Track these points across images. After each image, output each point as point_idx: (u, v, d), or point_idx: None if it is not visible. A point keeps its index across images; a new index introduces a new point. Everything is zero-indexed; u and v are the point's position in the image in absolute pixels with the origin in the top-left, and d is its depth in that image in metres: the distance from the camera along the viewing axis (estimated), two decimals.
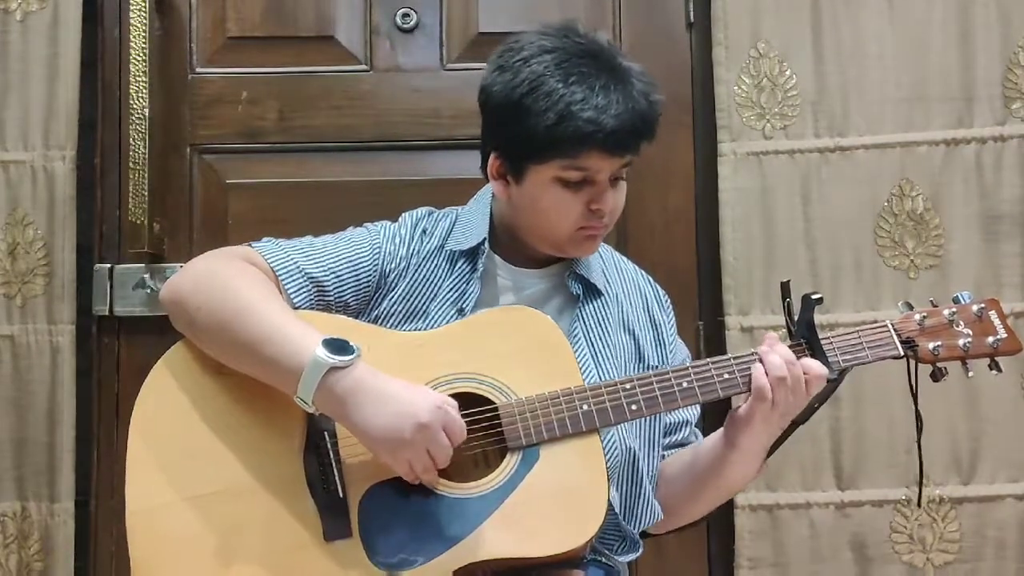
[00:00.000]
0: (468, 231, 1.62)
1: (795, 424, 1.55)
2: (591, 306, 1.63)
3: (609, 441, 1.52)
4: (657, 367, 1.64)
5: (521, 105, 1.48)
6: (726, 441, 1.53)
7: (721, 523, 2.26)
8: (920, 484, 1.66)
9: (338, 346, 1.36)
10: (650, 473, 1.61)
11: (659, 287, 1.77)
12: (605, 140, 1.47)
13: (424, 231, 1.64)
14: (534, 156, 1.51)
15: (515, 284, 1.63)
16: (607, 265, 1.71)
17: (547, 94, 1.47)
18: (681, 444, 1.69)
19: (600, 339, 1.61)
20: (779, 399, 1.43)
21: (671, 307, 1.77)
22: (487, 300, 1.60)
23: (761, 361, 1.46)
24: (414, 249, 1.61)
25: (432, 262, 1.61)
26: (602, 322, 1.62)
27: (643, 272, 1.78)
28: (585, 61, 1.49)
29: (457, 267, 1.60)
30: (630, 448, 1.58)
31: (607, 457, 1.47)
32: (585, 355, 1.58)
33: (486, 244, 1.60)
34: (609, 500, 1.42)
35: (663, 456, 1.67)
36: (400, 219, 1.67)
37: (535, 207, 1.55)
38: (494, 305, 1.60)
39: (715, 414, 1.71)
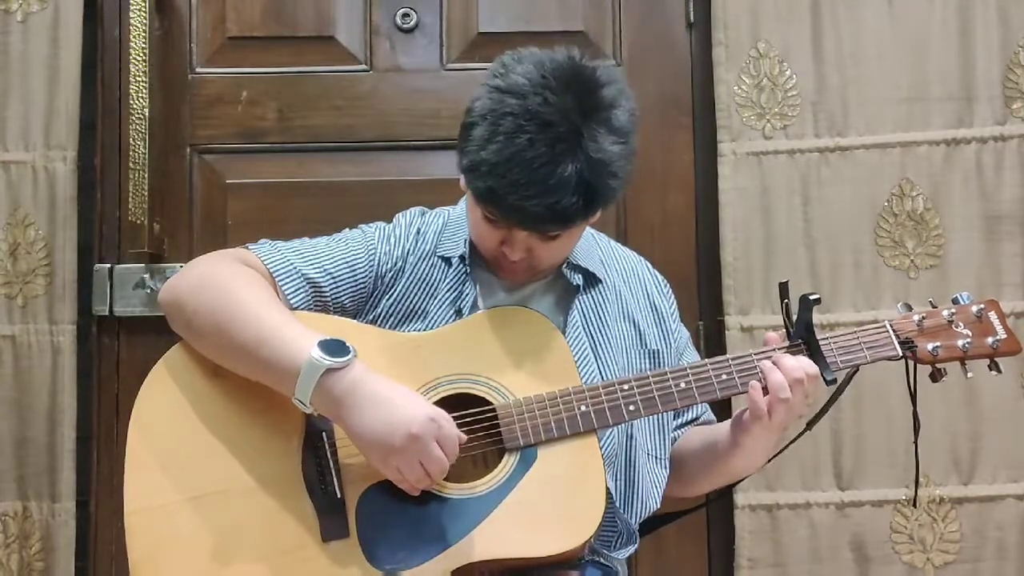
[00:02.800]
0: (456, 236, 1.63)
1: (809, 425, 1.59)
2: (589, 297, 1.63)
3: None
4: (660, 352, 1.65)
5: (464, 128, 1.47)
6: (731, 439, 1.54)
7: (721, 523, 2.26)
8: (916, 484, 1.67)
9: (334, 347, 1.36)
10: (651, 455, 1.62)
11: (658, 273, 1.78)
12: (507, 213, 1.44)
13: (418, 231, 1.64)
14: (465, 182, 1.50)
15: (510, 281, 1.63)
16: (605, 255, 1.71)
17: (472, 137, 1.43)
18: (693, 421, 1.71)
19: (599, 331, 1.61)
20: (777, 417, 1.44)
21: (671, 292, 1.77)
22: (485, 297, 1.61)
23: (763, 373, 1.45)
24: (409, 249, 1.62)
25: (428, 262, 1.61)
26: (601, 313, 1.62)
27: (642, 259, 1.78)
28: (536, 128, 1.38)
29: (453, 267, 1.60)
30: (629, 433, 1.58)
31: (603, 441, 1.47)
32: (584, 347, 1.58)
33: (468, 246, 1.60)
34: (607, 490, 1.42)
35: (675, 437, 1.68)
36: (394, 220, 1.68)
37: (469, 216, 1.58)
38: (492, 303, 1.60)
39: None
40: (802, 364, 1.45)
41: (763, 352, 1.49)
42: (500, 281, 1.62)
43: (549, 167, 1.39)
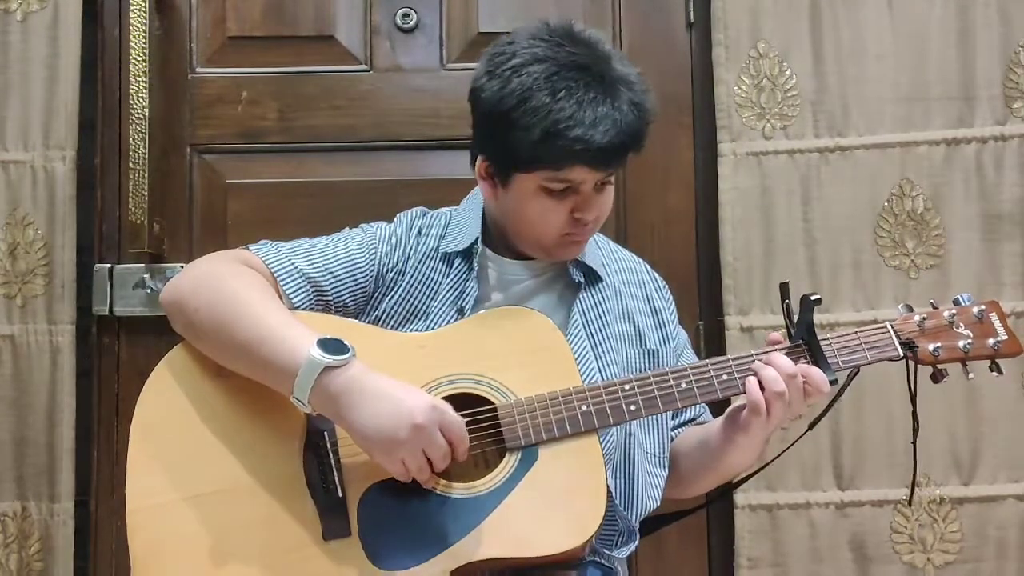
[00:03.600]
0: (461, 232, 1.63)
1: (810, 426, 1.59)
2: (590, 296, 1.63)
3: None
4: (659, 352, 1.65)
5: (509, 117, 1.47)
6: (723, 437, 1.54)
7: (721, 523, 2.26)
8: (912, 485, 1.67)
9: (333, 346, 1.36)
10: (650, 454, 1.62)
11: (657, 274, 1.78)
12: (592, 157, 1.47)
13: (419, 231, 1.64)
14: (520, 166, 1.51)
15: (513, 278, 1.63)
16: (605, 255, 1.72)
17: (535, 109, 1.45)
18: (691, 421, 1.71)
19: (600, 329, 1.62)
20: (775, 412, 1.44)
21: (670, 293, 1.78)
22: (486, 296, 1.61)
23: (757, 373, 1.46)
24: (410, 249, 1.62)
25: (430, 262, 1.61)
26: (601, 312, 1.63)
27: (641, 260, 1.79)
28: (575, 74, 1.46)
29: (455, 266, 1.60)
30: (628, 431, 1.58)
31: (603, 439, 1.47)
32: (584, 345, 1.59)
33: (479, 243, 1.61)
34: (607, 488, 1.42)
35: (672, 437, 1.68)
36: (395, 219, 1.68)
37: (520, 213, 1.56)
38: (494, 301, 1.61)
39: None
40: (805, 368, 1.45)
41: (764, 352, 1.49)
42: (502, 279, 1.63)
43: (605, 98, 1.46)
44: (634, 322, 1.66)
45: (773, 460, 1.66)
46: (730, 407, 1.54)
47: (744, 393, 1.47)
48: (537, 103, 1.45)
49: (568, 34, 1.52)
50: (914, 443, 1.60)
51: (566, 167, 1.48)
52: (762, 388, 1.44)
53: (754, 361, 1.48)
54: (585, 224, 1.55)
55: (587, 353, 1.58)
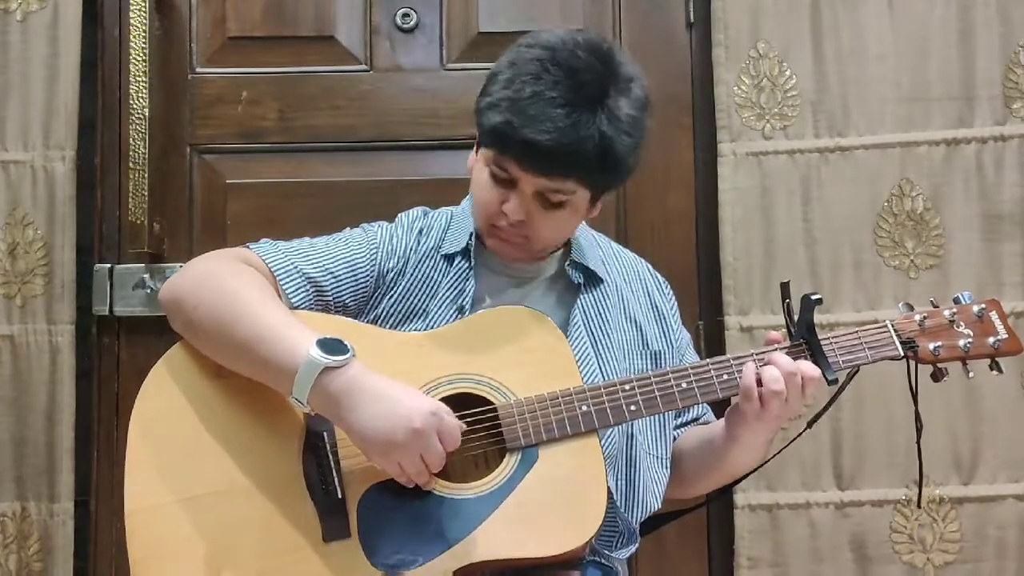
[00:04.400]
0: (461, 231, 1.63)
1: (809, 425, 1.59)
2: (591, 296, 1.63)
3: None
4: (662, 352, 1.65)
5: (487, 81, 1.50)
6: (727, 434, 1.54)
7: (721, 523, 2.26)
8: (920, 485, 1.67)
9: (332, 346, 1.36)
10: (652, 455, 1.62)
11: (658, 274, 1.78)
12: (517, 148, 1.45)
13: (420, 231, 1.64)
14: (480, 135, 1.53)
15: (513, 278, 1.63)
16: (606, 255, 1.72)
17: (497, 80, 1.47)
18: (693, 421, 1.71)
19: (600, 329, 1.61)
20: (772, 409, 1.44)
21: (672, 294, 1.78)
22: (486, 296, 1.61)
23: (755, 364, 1.46)
24: (411, 249, 1.62)
25: (430, 262, 1.61)
26: (602, 312, 1.63)
27: (642, 259, 1.79)
28: (555, 70, 1.43)
29: (455, 265, 1.60)
30: (630, 432, 1.58)
31: (604, 440, 1.47)
32: (585, 346, 1.58)
33: (473, 238, 1.60)
34: (608, 489, 1.42)
35: (674, 437, 1.68)
36: (396, 219, 1.67)
37: (472, 182, 1.58)
38: (494, 301, 1.60)
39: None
40: (800, 364, 1.45)
41: (765, 352, 1.49)
42: (502, 279, 1.62)
43: (568, 108, 1.42)
44: (636, 323, 1.66)
45: (772, 458, 1.66)
46: (732, 406, 1.53)
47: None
48: (503, 76, 1.46)
49: (595, 46, 1.48)
50: (918, 443, 1.60)
51: (501, 152, 1.48)
52: (760, 384, 1.44)
53: (754, 360, 1.48)
54: (510, 223, 1.52)
55: (589, 354, 1.58)
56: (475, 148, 1.58)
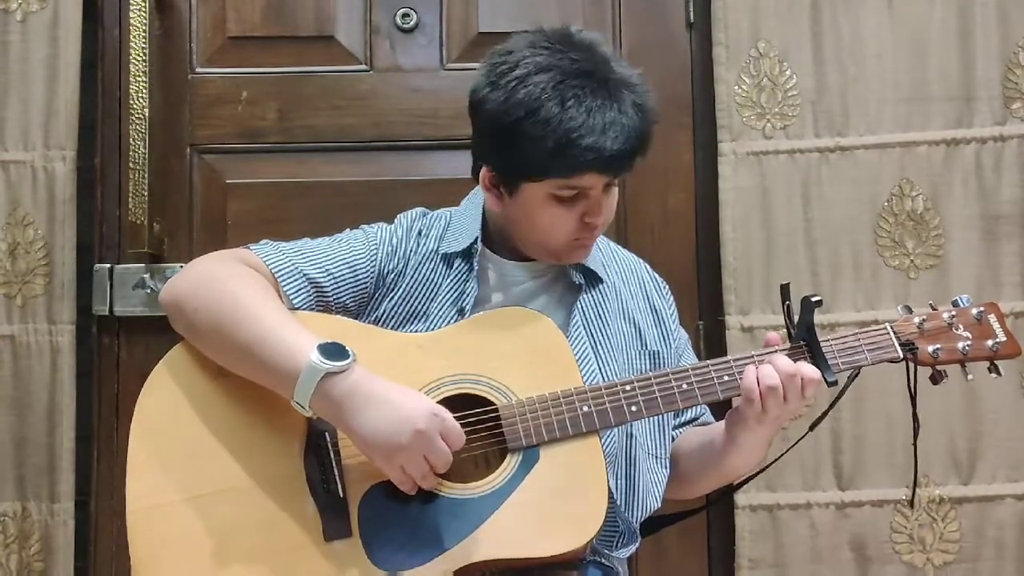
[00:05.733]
0: (461, 232, 1.62)
1: (811, 427, 1.60)
2: (591, 297, 1.63)
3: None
4: (660, 353, 1.66)
5: (518, 129, 1.46)
6: (726, 437, 1.54)
7: (721, 523, 2.26)
8: (914, 486, 1.67)
9: (333, 351, 1.36)
10: (651, 455, 1.62)
11: (657, 275, 1.78)
12: (605, 164, 1.47)
13: (420, 232, 1.64)
14: (530, 176, 1.50)
15: (513, 279, 1.63)
16: (605, 256, 1.72)
17: (546, 120, 1.44)
18: (692, 421, 1.71)
19: (600, 330, 1.61)
20: (770, 407, 1.44)
21: (670, 294, 1.78)
22: (486, 297, 1.61)
23: (756, 366, 1.46)
24: (411, 250, 1.62)
25: (430, 263, 1.61)
26: (602, 313, 1.63)
27: (641, 260, 1.79)
28: (580, 81, 1.45)
29: (454, 267, 1.60)
30: (629, 432, 1.58)
31: (604, 440, 1.47)
32: (585, 347, 1.59)
33: (479, 243, 1.61)
34: (608, 489, 1.42)
35: (674, 437, 1.68)
36: (396, 220, 1.67)
37: (529, 220, 1.55)
38: (494, 302, 1.61)
39: None
40: (800, 366, 1.45)
41: (764, 353, 1.49)
42: (502, 280, 1.63)
43: (612, 103, 1.46)
44: (635, 323, 1.66)
45: (774, 462, 1.66)
46: (732, 408, 1.54)
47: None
48: (547, 114, 1.44)
49: (567, 39, 1.51)
50: (915, 444, 1.61)
51: (577, 175, 1.48)
52: (759, 384, 1.44)
53: (755, 363, 1.48)
54: (595, 228, 1.55)
55: (588, 354, 1.58)
56: (498, 188, 1.56)
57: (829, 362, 1.47)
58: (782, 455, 1.66)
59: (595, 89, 1.45)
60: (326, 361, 1.35)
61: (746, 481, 1.67)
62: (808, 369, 1.44)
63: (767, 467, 1.67)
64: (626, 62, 1.54)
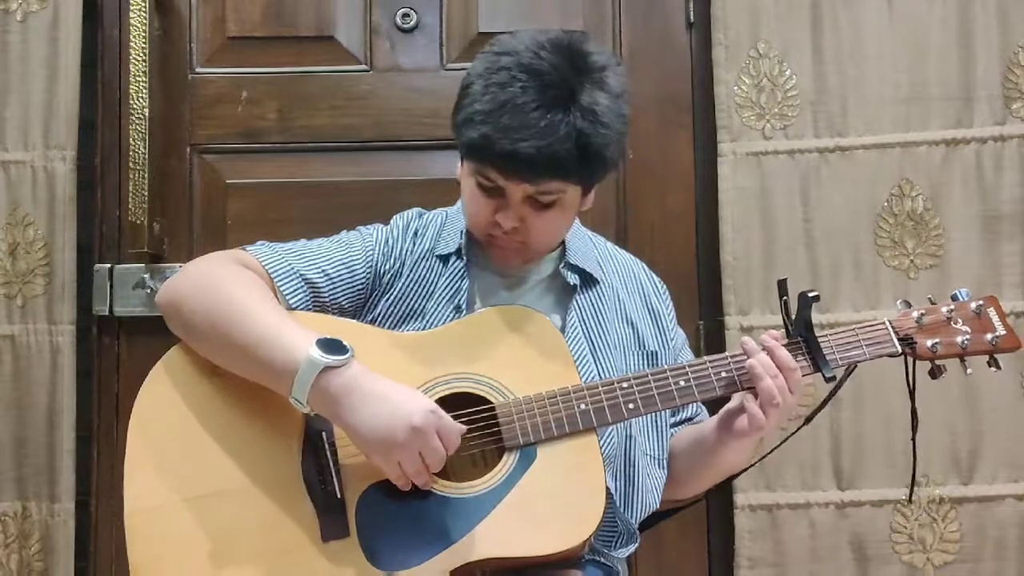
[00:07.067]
0: (456, 232, 1.63)
1: (807, 420, 1.60)
2: (587, 297, 1.63)
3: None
4: (658, 353, 1.65)
5: (459, 94, 1.50)
6: (719, 439, 1.54)
7: (721, 523, 2.26)
8: (912, 480, 1.67)
9: (332, 346, 1.36)
10: (650, 456, 1.62)
11: (655, 275, 1.78)
12: (498, 161, 1.45)
13: (415, 232, 1.64)
14: (460, 149, 1.53)
15: (509, 278, 1.63)
16: (602, 256, 1.72)
17: (469, 92, 1.47)
18: (688, 420, 1.71)
19: (597, 331, 1.61)
20: (771, 419, 1.44)
21: (668, 294, 1.77)
22: (482, 296, 1.61)
23: (753, 380, 1.46)
24: (407, 251, 1.62)
25: (425, 263, 1.61)
26: (599, 313, 1.62)
27: (639, 261, 1.78)
28: (524, 76, 1.43)
29: (450, 265, 1.60)
30: (628, 434, 1.58)
31: (603, 441, 1.47)
32: (582, 347, 1.58)
33: (463, 236, 1.61)
34: (607, 489, 1.42)
35: (671, 435, 1.68)
36: (392, 221, 1.68)
37: (463, 195, 1.58)
38: (490, 301, 1.60)
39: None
40: (779, 353, 1.45)
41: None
42: (498, 279, 1.62)
43: (540, 111, 1.42)
44: (632, 324, 1.66)
45: (769, 453, 1.66)
46: (724, 408, 1.53)
47: (741, 392, 1.47)
48: (473, 90, 1.47)
49: (560, 43, 1.48)
50: (913, 439, 1.60)
51: (479, 164, 1.48)
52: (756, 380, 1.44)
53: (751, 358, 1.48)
54: (506, 232, 1.53)
55: (585, 355, 1.58)
56: (460, 160, 1.58)
57: (827, 357, 1.48)
58: (778, 446, 1.66)
59: (538, 90, 1.42)
60: (324, 355, 1.35)
61: (738, 474, 1.67)
62: (784, 356, 1.45)
63: (762, 458, 1.67)
64: (620, 100, 1.48)
